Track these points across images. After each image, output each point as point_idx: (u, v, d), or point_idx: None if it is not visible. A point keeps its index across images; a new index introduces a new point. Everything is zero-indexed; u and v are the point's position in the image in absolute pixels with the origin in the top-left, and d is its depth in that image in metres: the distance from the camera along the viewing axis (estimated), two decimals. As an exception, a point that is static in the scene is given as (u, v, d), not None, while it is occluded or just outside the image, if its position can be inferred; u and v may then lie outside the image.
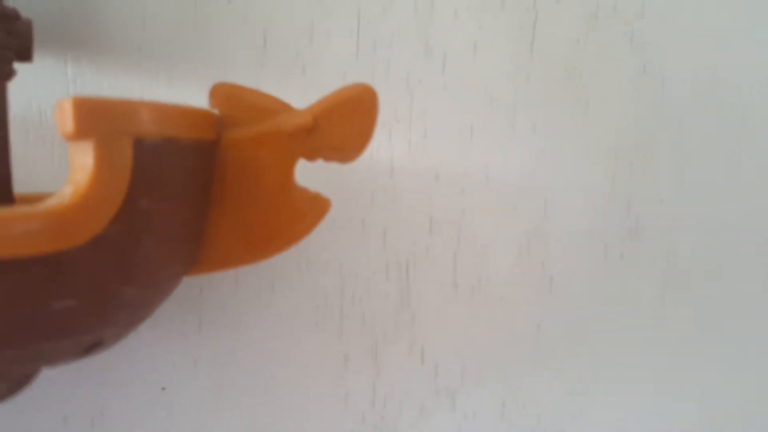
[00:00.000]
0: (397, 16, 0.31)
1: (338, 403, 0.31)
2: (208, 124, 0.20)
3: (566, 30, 0.32)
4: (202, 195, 0.20)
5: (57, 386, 0.29)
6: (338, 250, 0.31)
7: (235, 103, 0.21)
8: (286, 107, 0.22)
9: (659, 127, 0.33)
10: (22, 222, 0.15)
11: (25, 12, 0.24)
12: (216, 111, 0.21)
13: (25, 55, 0.21)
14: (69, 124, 0.16)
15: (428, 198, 0.31)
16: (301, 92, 0.30)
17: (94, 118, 0.16)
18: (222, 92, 0.21)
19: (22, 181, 0.26)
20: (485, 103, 0.32)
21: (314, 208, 0.22)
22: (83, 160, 0.16)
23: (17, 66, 0.22)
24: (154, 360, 0.29)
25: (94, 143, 0.16)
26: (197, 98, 0.29)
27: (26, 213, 0.15)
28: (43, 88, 0.28)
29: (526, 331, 0.32)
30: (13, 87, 0.24)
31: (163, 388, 0.29)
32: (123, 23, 0.29)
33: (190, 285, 0.29)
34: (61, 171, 0.29)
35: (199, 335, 0.29)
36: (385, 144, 0.31)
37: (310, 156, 0.22)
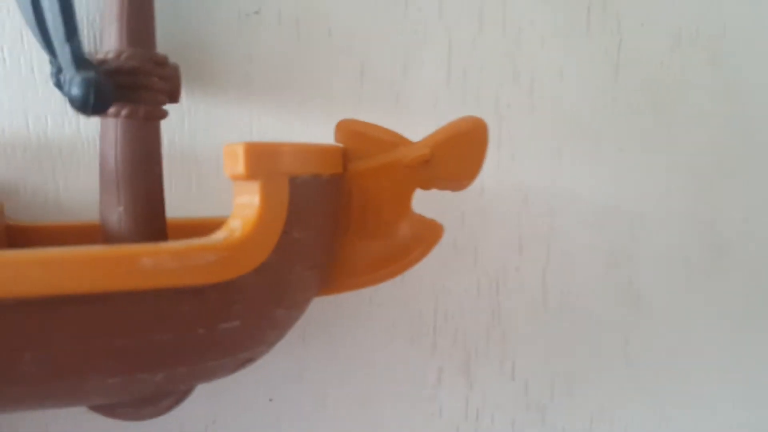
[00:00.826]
0: (486, 44, 0.33)
1: (433, 416, 0.33)
2: (339, 158, 0.22)
3: (650, 53, 0.34)
4: (334, 223, 0.23)
5: (174, 396, 0.32)
6: (431, 268, 0.33)
7: (358, 137, 0.24)
8: (403, 140, 0.24)
9: (742, 147, 0.35)
10: (203, 253, 0.18)
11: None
12: (341, 145, 0.24)
13: (174, 97, 0.23)
14: (240, 166, 0.18)
15: (517, 217, 0.33)
16: (395, 119, 0.33)
17: (261, 161, 0.18)
18: (346, 127, 0.24)
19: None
20: (572, 125, 0.33)
21: (430, 233, 0.24)
22: (250, 197, 0.19)
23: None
24: (262, 372, 0.31)
25: (261, 183, 0.19)
26: (300, 126, 0.32)
27: (205, 245, 0.18)
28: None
29: (613, 347, 0.34)
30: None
31: (270, 399, 0.32)
32: (233, 57, 0.31)
33: (295, 302, 0.32)
34: (178, 196, 0.31)
35: (304, 348, 0.32)
36: (476, 167, 0.32)
37: (426, 185, 0.24)
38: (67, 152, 0.30)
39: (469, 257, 0.33)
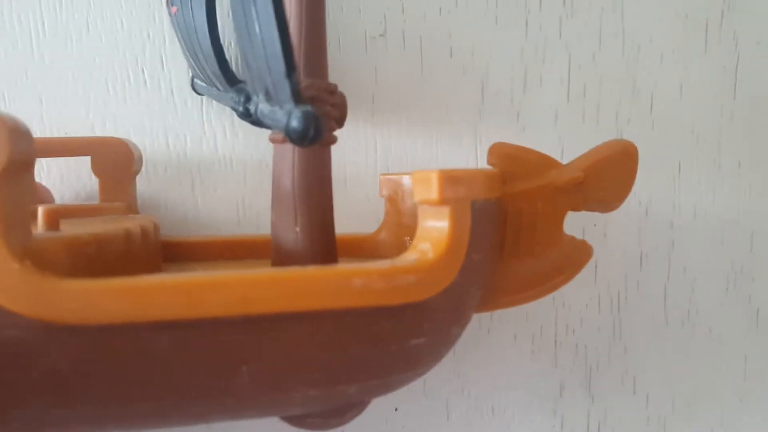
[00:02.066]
0: (605, 60, 0.34)
1: (554, 428, 0.35)
2: (500, 182, 0.24)
3: (767, 70, 0.35)
4: (496, 244, 0.24)
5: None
6: (551, 283, 0.34)
7: (511, 160, 0.25)
8: (554, 162, 0.26)
9: None
10: (406, 275, 0.20)
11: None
12: (493, 168, 0.26)
13: (341, 123, 0.26)
14: (434, 192, 0.20)
15: (638, 232, 0.34)
16: (515, 136, 0.34)
17: (451, 187, 0.20)
18: (499, 151, 0.25)
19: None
20: (692, 141, 0.35)
21: (580, 253, 0.26)
22: (438, 222, 0.21)
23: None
24: (389, 384, 0.33)
25: (451, 208, 0.21)
26: (423, 144, 0.34)
27: (408, 267, 0.20)
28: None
29: (733, 363, 0.35)
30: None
31: (396, 409, 0.34)
32: (359, 78, 0.33)
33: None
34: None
35: (428, 362, 0.34)
36: (597, 183, 0.34)
37: (577, 207, 0.26)
38: (205, 170, 0.33)
39: (589, 272, 0.34)
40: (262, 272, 0.19)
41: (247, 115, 0.24)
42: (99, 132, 0.32)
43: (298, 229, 0.24)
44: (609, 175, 0.26)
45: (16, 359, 0.18)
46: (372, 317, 0.20)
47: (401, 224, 0.29)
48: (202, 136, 0.33)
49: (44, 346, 0.18)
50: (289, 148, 0.24)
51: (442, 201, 0.20)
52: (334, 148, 0.33)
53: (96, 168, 0.29)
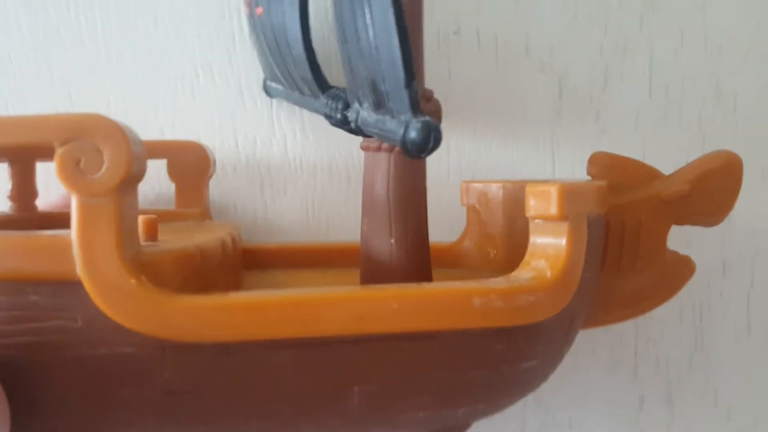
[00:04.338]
0: (687, 58, 0.34)
1: (632, 442, 0.34)
2: (608, 195, 0.23)
3: None
4: (599, 260, 0.24)
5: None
6: (629, 292, 0.34)
7: (613, 171, 0.25)
8: (656, 173, 0.25)
9: None
10: (524, 294, 0.19)
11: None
12: (593, 179, 0.25)
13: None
14: (553, 207, 0.20)
15: (720, 240, 0.34)
16: (595, 136, 0.34)
17: (572, 202, 0.20)
18: (599, 160, 0.25)
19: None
20: (777, 145, 0.34)
21: (683, 270, 0.25)
22: (554, 238, 0.20)
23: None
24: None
25: (569, 224, 0.20)
26: (498, 144, 0.33)
27: (526, 286, 0.20)
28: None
29: (818, 376, 0.35)
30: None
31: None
32: (433, 76, 0.33)
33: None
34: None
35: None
36: (679, 188, 0.33)
37: (680, 221, 0.25)
38: (275, 171, 0.33)
39: (669, 281, 0.34)
40: (380, 289, 0.19)
41: (344, 123, 0.23)
42: (168, 132, 0.32)
43: (392, 240, 0.24)
44: (714, 188, 0.25)
45: (129, 378, 0.18)
46: (487, 339, 0.20)
47: (485, 234, 0.29)
48: (272, 137, 0.32)
49: (159, 365, 0.18)
50: (384, 156, 0.24)
51: (561, 217, 0.20)
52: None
53: (172, 172, 0.29)
